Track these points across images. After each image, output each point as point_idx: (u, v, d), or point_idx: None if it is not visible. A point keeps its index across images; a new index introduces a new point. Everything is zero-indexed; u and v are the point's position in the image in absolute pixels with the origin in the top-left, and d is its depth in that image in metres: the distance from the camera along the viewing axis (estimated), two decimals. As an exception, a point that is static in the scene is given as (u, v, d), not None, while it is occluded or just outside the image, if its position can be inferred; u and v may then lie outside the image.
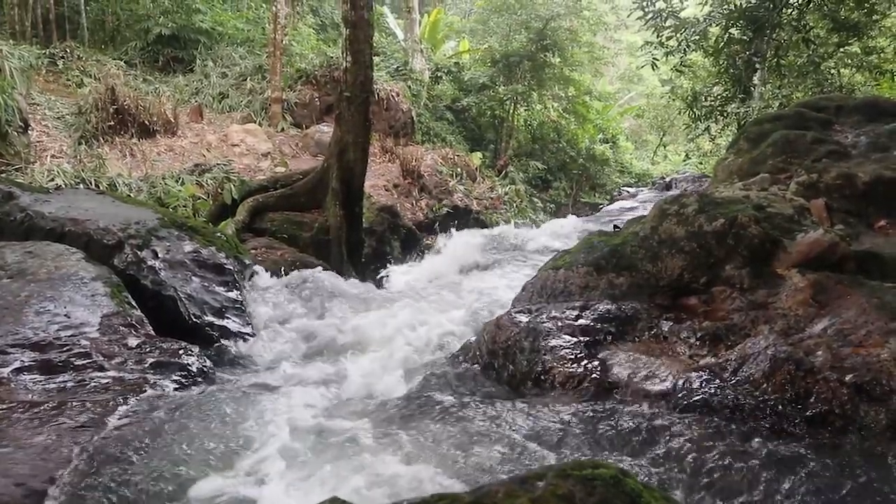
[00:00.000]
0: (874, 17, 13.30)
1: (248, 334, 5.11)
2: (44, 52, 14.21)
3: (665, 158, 26.21)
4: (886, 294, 3.56)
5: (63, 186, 9.03)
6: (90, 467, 2.75)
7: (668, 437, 2.94)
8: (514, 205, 15.90)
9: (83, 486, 2.64)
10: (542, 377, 3.64)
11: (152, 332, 4.32)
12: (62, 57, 14.44)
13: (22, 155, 10.04)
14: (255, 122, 14.53)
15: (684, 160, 22.93)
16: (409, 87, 17.17)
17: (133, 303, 4.51)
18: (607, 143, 22.04)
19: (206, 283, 5.27)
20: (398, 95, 16.05)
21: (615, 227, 5.90)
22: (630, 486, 1.62)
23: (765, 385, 3.12)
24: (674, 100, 17.80)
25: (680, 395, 3.20)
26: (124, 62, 15.14)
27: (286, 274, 6.56)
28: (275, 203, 9.37)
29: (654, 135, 27.67)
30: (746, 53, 12.92)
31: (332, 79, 15.18)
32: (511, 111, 18.85)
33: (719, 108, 14.04)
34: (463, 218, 13.09)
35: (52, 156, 10.68)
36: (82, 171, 10.18)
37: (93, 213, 5.43)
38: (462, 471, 2.80)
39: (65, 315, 3.99)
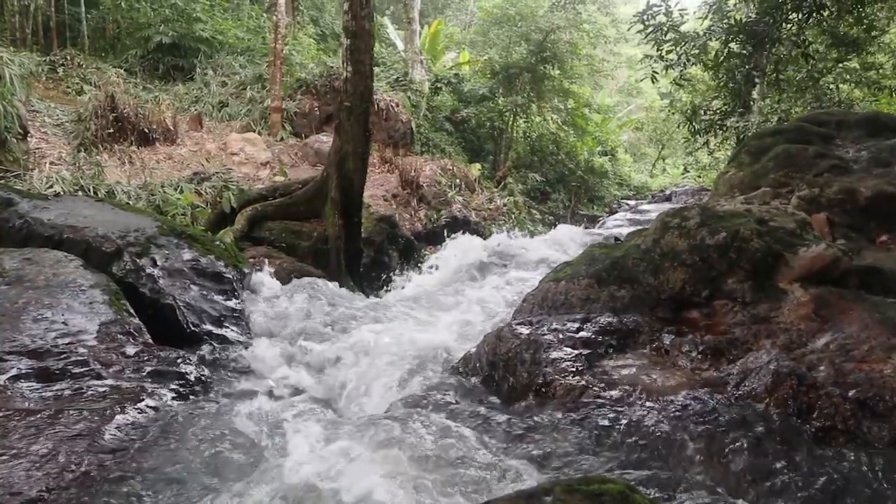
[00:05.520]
0: (873, 34, 13.39)
1: (246, 343, 5.08)
2: (44, 59, 14.24)
3: (664, 171, 26.30)
4: (889, 309, 3.55)
5: (62, 193, 9.00)
6: (87, 477, 2.72)
7: (669, 451, 2.92)
8: (513, 216, 15.89)
9: (80, 496, 2.61)
10: (543, 389, 3.61)
11: (150, 341, 4.29)
12: (62, 64, 14.46)
13: (21, 162, 10.02)
14: (254, 131, 14.53)
15: (683, 173, 23.01)
16: (409, 97, 17.19)
17: (131, 311, 4.48)
18: (606, 155, 22.08)
19: (204, 292, 5.24)
20: (398, 106, 16.07)
21: (616, 238, 5.89)
22: (638, 502, 1.60)
23: (767, 400, 3.10)
24: (673, 113, 17.86)
25: (681, 409, 3.17)
26: (124, 70, 15.15)
27: (285, 283, 6.53)
28: (273, 212, 9.34)
29: (652, 148, 27.78)
30: (746, 68, 12.96)
31: (332, 88, 15.20)
32: (510, 123, 18.87)
33: (718, 122, 14.07)
34: (461, 228, 13.03)
35: (51, 163, 10.66)
36: (81, 178, 10.16)
37: (91, 221, 5.40)
38: (463, 485, 2.77)
39: (63, 322, 3.96)
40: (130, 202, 9.57)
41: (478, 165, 17.14)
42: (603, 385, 3.50)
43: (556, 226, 14.31)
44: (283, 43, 14.87)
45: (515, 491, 1.90)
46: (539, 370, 3.72)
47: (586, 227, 13.54)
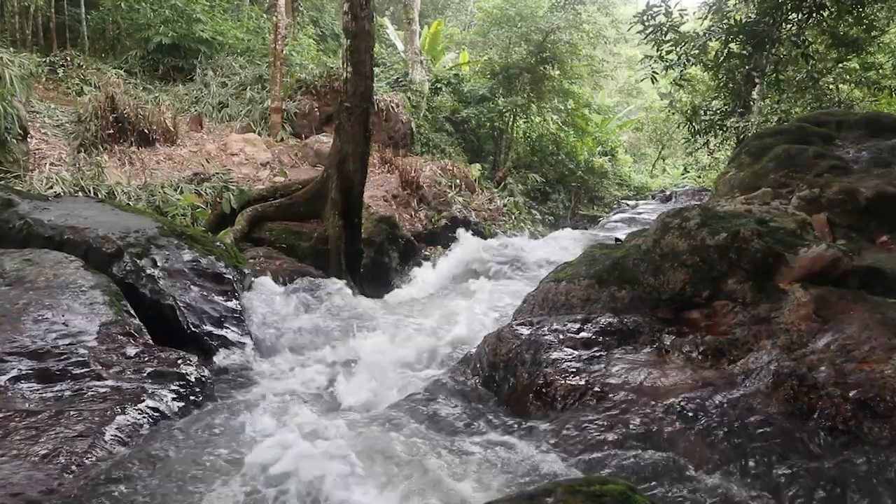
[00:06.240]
0: (873, 34, 13.38)
1: (246, 344, 5.08)
2: (44, 60, 14.22)
3: (664, 172, 26.27)
4: (889, 310, 3.55)
5: (62, 194, 9.00)
6: (87, 478, 2.72)
7: (670, 452, 2.91)
8: (513, 217, 15.89)
9: (80, 497, 2.61)
10: (544, 390, 3.61)
11: (151, 342, 4.30)
12: (62, 65, 14.44)
13: (21, 163, 10.01)
14: (254, 132, 14.51)
15: (683, 174, 22.99)
16: (409, 98, 17.17)
17: (132, 311, 4.49)
18: (606, 155, 22.06)
19: (204, 293, 5.24)
20: (398, 106, 16.06)
21: (616, 239, 5.89)
22: (639, 503, 1.60)
23: (768, 400, 3.10)
24: (673, 113, 17.84)
25: (682, 410, 3.17)
26: (124, 71, 15.14)
27: (285, 284, 6.53)
28: (274, 213, 9.33)
29: (652, 148, 27.75)
30: (746, 68, 12.95)
31: (332, 89, 15.20)
32: (510, 123, 18.86)
33: (718, 122, 14.06)
34: (462, 229, 13.05)
35: (51, 164, 10.65)
36: (81, 179, 10.15)
37: (92, 222, 5.41)
38: (464, 487, 2.77)
39: (63, 323, 3.97)
40: (130, 203, 9.56)
41: (478, 166, 17.12)
42: (603, 386, 3.50)
43: (555, 227, 14.33)
44: (283, 44, 14.85)
45: (516, 491, 1.90)
46: (539, 371, 3.72)
47: (584, 229, 13.56)
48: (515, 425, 3.38)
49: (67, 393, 3.39)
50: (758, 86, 13.98)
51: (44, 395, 3.34)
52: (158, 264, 5.16)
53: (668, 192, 18.35)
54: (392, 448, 3.15)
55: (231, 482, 2.84)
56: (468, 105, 18.68)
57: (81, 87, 13.87)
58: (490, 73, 18.93)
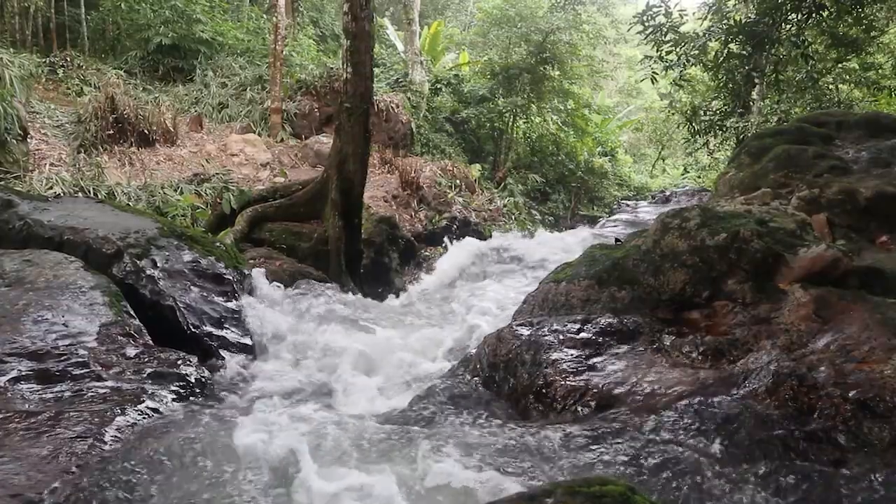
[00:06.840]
0: (872, 34, 13.38)
1: (246, 345, 5.08)
2: (44, 60, 14.21)
3: (663, 172, 26.25)
4: (889, 310, 3.55)
5: (62, 195, 9.00)
6: (87, 479, 2.72)
7: (669, 452, 2.91)
8: (513, 217, 15.87)
9: (80, 499, 2.61)
10: (544, 391, 3.61)
11: (150, 342, 4.29)
12: (62, 65, 14.44)
13: (20, 163, 10.01)
14: (254, 133, 14.52)
15: (682, 174, 22.99)
16: (409, 98, 17.17)
17: (131, 312, 4.48)
18: (606, 156, 22.04)
19: (204, 293, 5.24)
20: (398, 107, 16.05)
21: (616, 240, 5.89)
22: (638, 504, 1.60)
23: (768, 400, 3.10)
24: (673, 114, 17.83)
25: (681, 410, 3.17)
26: (124, 71, 15.13)
27: (285, 285, 6.53)
28: (274, 213, 9.34)
29: (652, 148, 27.72)
30: (745, 68, 12.95)
31: (332, 90, 15.20)
32: (510, 123, 18.84)
33: (718, 123, 14.06)
34: (462, 230, 13.06)
35: (51, 164, 10.65)
36: (81, 179, 10.15)
37: (92, 222, 5.40)
38: (463, 489, 2.77)
39: (63, 324, 3.96)
40: (130, 203, 9.56)
41: (478, 166, 17.11)
42: (603, 386, 3.50)
43: (555, 227, 14.31)
44: (282, 44, 14.85)
45: (517, 493, 1.90)
46: (539, 371, 3.72)
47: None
48: (514, 425, 3.38)
49: (67, 394, 3.39)
50: (757, 86, 13.98)
51: (44, 395, 3.33)
52: (158, 265, 5.16)
53: (667, 193, 18.36)
54: (382, 442, 3.15)
55: (230, 481, 2.84)
56: (468, 105, 18.67)
57: (81, 88, 13.86)
58: (490, 74, 18.91)
